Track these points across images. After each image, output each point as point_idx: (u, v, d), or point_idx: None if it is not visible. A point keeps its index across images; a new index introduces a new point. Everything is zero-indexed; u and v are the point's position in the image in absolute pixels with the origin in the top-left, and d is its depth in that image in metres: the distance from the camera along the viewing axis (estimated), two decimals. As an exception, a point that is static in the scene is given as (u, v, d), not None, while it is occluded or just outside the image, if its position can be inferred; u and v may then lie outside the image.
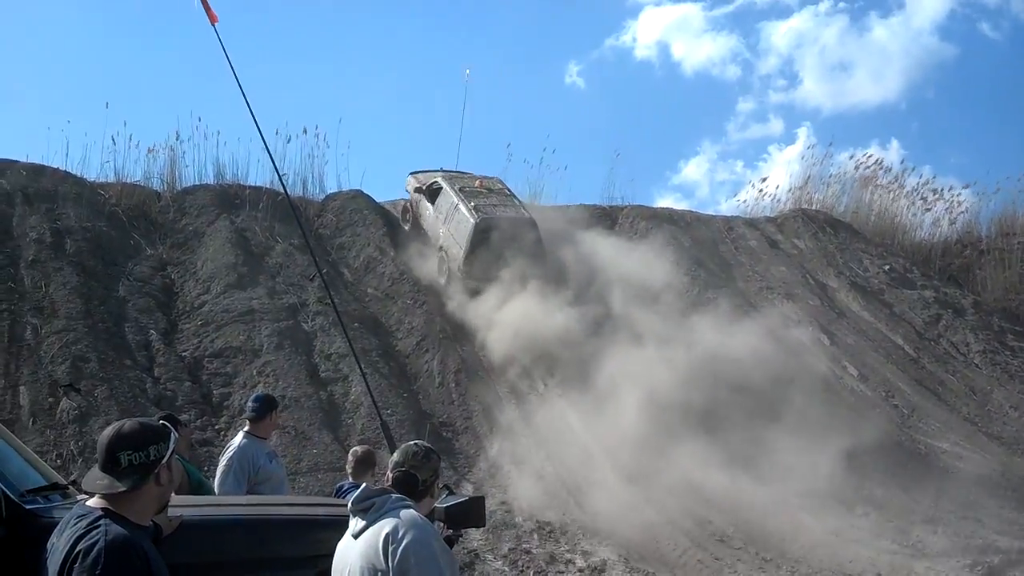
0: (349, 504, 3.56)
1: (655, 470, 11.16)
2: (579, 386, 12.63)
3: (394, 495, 3.51)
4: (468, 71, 22.73)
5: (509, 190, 16.35)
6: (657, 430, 11.87)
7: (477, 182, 15.93)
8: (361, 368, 7.61)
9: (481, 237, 14.42)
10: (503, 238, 14.54)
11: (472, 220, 14.61)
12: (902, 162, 27.02)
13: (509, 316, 14.03)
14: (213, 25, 6.47)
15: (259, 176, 16.84)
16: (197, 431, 10.26)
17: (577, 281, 15.12)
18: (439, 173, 16.29)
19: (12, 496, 3.79)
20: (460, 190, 15.37)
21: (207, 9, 6.40)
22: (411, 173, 16.92)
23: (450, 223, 15.21)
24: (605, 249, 16.04)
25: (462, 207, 14.95)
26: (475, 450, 11.33)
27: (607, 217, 18.28)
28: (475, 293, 14.36)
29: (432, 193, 15.75)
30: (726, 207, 21.42)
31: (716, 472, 11.58)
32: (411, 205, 16.49)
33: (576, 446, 11.59)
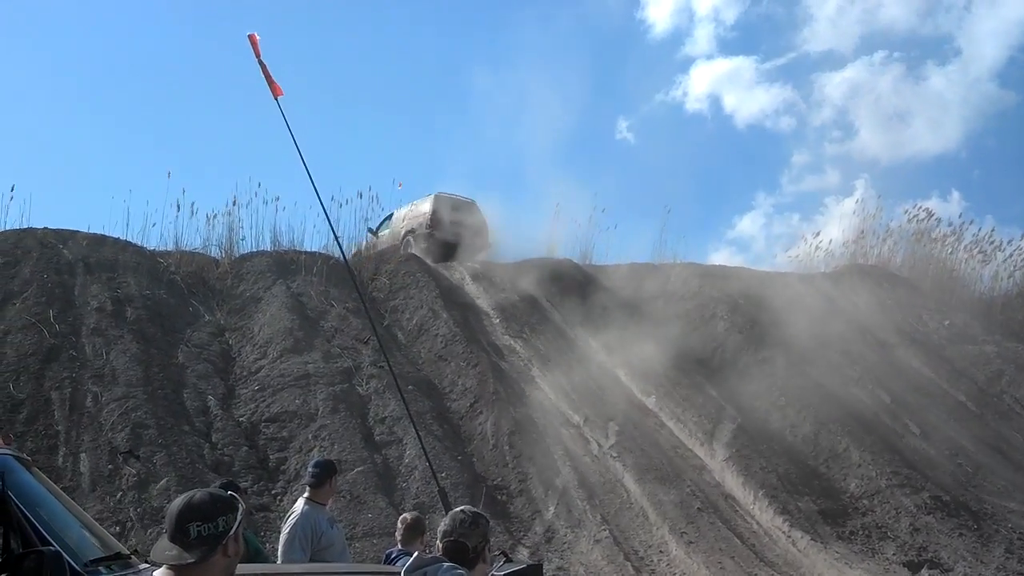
0: (402, 572, 3.54)
1: (714, 535, 10.99)
2: (633, 446, 12.54)
3: (446, 563, 3.49)
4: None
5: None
6: (713, 493, 11.71)
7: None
8: (417, 431, 7.60)
9: (439, 204, 18.99)
10: (455, 209, 19.13)
11: (431, 196, 19.40)
12: (960, 215, 26.69)
13: (562, 375, 14.06)
14: (276, 99, 6.61)
15: (314, 241, 17.21)
16: (254, 496, 10.30)
17: (629, 341, 15.13)
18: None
19: (77, 567, 3.83)
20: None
21: (271, 83, 6.56)
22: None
23: (412, 212, 19.69)
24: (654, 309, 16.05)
25: (423, 201, 19.74)
26: (530, 514, 11.20)
27: (658, 275, 18.24)
28: (445, 246, 18.63)
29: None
30: (781, 261, 21.30)
31: (778, 533, 11.39)
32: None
33: (633, 509, 11.45)
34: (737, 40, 43.61)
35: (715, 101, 44.25)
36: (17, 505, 3.90)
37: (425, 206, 19.51)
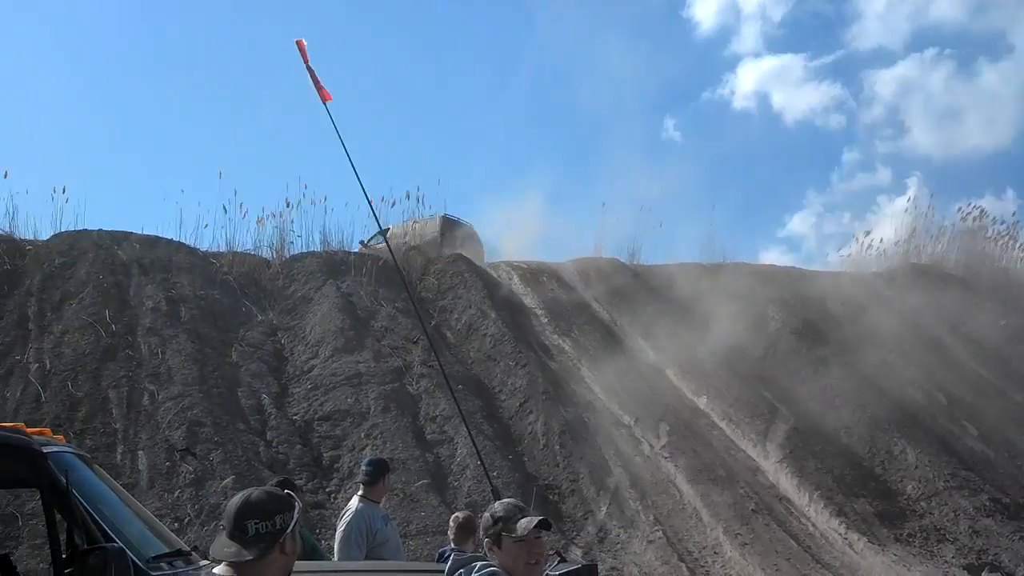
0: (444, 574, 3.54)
1: (769, 536, 10.86)
2: (685, 447, 12.45)
3: (480, 562, 3.46)
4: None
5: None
6: (768, 494, 11.58)
7: None
8: (469, 430, 7.60)
9: (446, 227, 18.93)
10: (459, 231, 19.09)
11: (439, 216, 19.29)
12: (1014, 212, 26.14)
13: (612, 375, 14.00)
14: (325, 104, 6.66)
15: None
16: (308, 494, 10.38)
17: (680, 341, 15.04)
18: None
19: (140, 563, 3.87)
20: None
21: (319, 88, 6.60)
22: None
23: (419, 230, 19.37)
24: (708, 307, 15.91)
25: (429, 219, 19.59)
26: (582, 513, 11.16)
27: (709, 275, 18.09)
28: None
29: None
30: (833, 260, 21.06)
31: (834, 535, 11.23)
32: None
33: (686, 510, 11.37)
34: (785, 38, 43.18)
35: (763, 99, 43.83)
36: (81, 502, 3.96)
37: (432, 226, 19.41)
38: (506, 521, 3.48)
